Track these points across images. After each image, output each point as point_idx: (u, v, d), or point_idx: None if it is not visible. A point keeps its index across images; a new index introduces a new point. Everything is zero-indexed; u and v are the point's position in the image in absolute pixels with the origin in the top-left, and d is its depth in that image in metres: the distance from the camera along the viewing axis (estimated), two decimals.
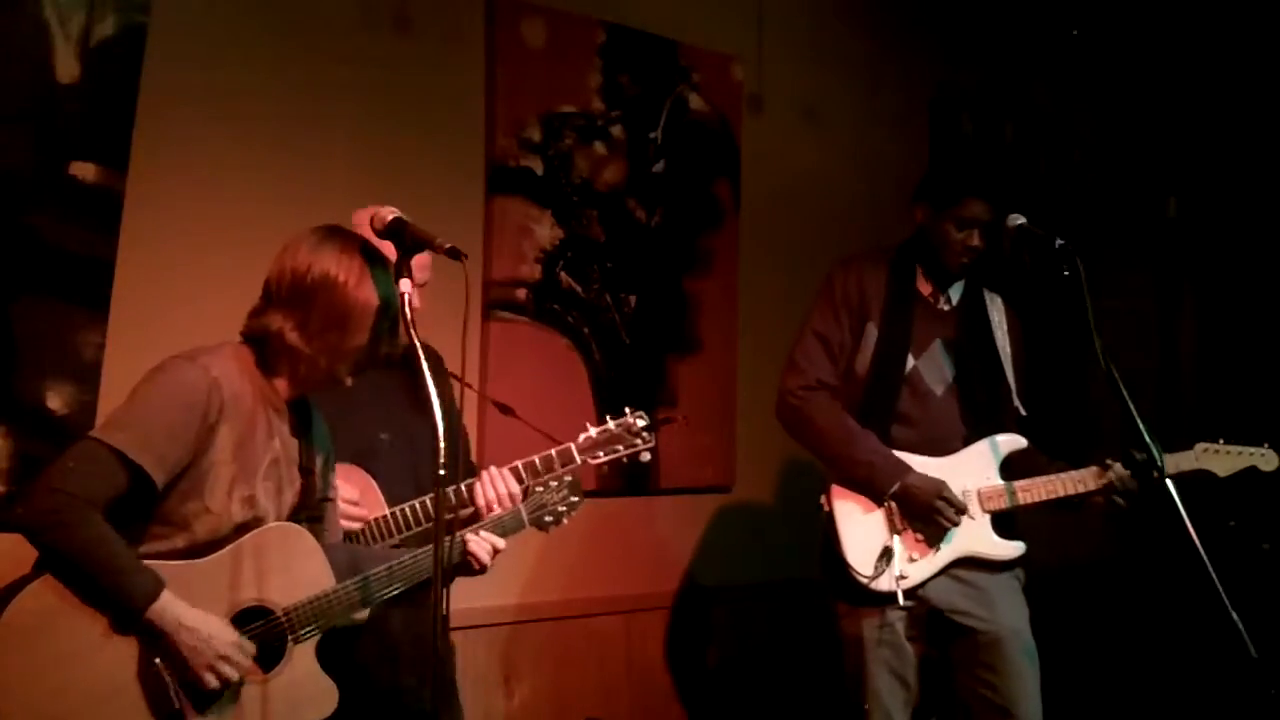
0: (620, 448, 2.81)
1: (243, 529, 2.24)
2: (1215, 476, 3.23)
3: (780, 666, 4.37)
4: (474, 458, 3.54)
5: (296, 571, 2.30)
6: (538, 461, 2.79)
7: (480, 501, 2.73)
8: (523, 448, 2.88)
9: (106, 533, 2.09)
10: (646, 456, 2.84)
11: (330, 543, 2.45)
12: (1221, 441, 3.23)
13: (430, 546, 2.44)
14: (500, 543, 2.58)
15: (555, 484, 2.74)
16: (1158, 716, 4.76)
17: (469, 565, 2.54)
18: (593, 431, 2.80)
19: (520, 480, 2.77)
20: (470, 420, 3.63)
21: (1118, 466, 3.19)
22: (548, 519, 2.73)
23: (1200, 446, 3.22)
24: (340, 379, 2.33)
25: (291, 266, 2.27)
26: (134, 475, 2.12)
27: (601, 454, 2.81)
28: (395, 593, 2.41)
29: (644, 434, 2.81)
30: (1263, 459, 3.24)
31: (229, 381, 2.23)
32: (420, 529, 2.74)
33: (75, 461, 2.13)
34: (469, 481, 2.76)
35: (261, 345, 2.30)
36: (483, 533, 2.55)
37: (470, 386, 2.28)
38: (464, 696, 3.08)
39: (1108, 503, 3.22)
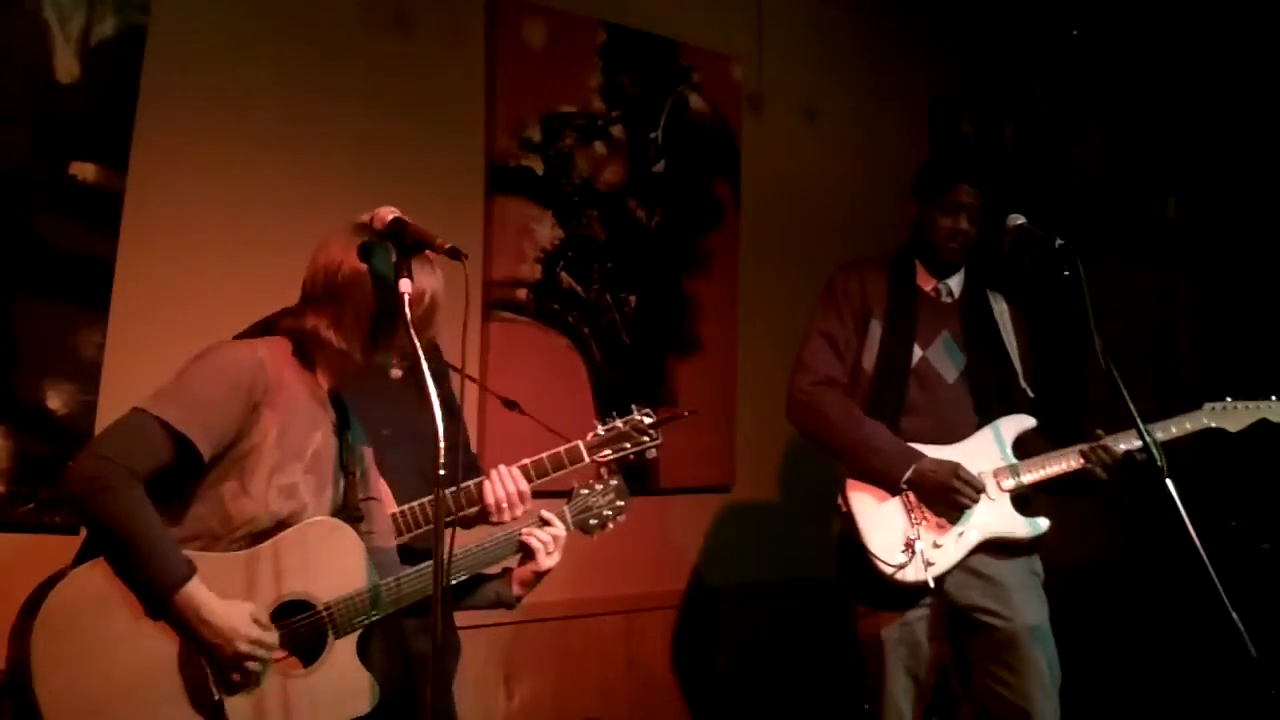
0: (628, 445, 2.79)
1: (281, 524, 2.24)
2: (1228, 433, 3.22)
3: (781, 666, 4.38)
4: (476, 453, 3.54)
5: (339, 566, 2.29)
6: (546, 460, 2.76)
7: (489, 500, 2.71)
8: (526, 443, 2.87)
9: (145, 505, 2.08)
10: (654, 453, 2.82)
11: (382, 545, 2.44)
12: (1229, 399, 3.22)
13: (481, 540, 2.49)
14: (560, 528, 2.55)
15: (601, 486, 2.68)
16: (1159, 716, 4.76)
17: (531, 557, 2.51)
18: (601, 430, 2.77)
19: (529, 479, 2.75)
20: (471, 415, 3.63)
21: (1107, 440, 3.19)
22: (593, 522, 2.67)
23: (1208, 406, 3.22)
24: (376, 373, 2.33)
25: (324, 264, 2.27)
26: (179, 447, 2.11)
27: (609, 452, 2.78)
28: (427, 594, 2.35)
29: (651, 431, 2.79)
30: (1271, 410, 3.22)
31: (274, 366, 2.24)
32: (428, 528, 2.73)
33: (121, 430, 2.13)
34: (477, 480, 2.73)
35: (299, 341, 2.30)
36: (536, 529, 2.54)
37: (473, 379, 2.25)
38: (464, 696, 3.08)
39: (1092, 473, 3.20)
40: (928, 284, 3.40)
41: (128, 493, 2.07)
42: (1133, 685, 4.83)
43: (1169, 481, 2.77)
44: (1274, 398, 3.25)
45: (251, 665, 2.15)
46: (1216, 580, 2.60)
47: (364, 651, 2.34)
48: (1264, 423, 3.23)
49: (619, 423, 2.77)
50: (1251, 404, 3.23)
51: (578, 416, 3.90)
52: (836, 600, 3.37)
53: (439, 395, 2.07)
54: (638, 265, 4.12)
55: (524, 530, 2.54)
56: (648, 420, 2.80)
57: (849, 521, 3.23)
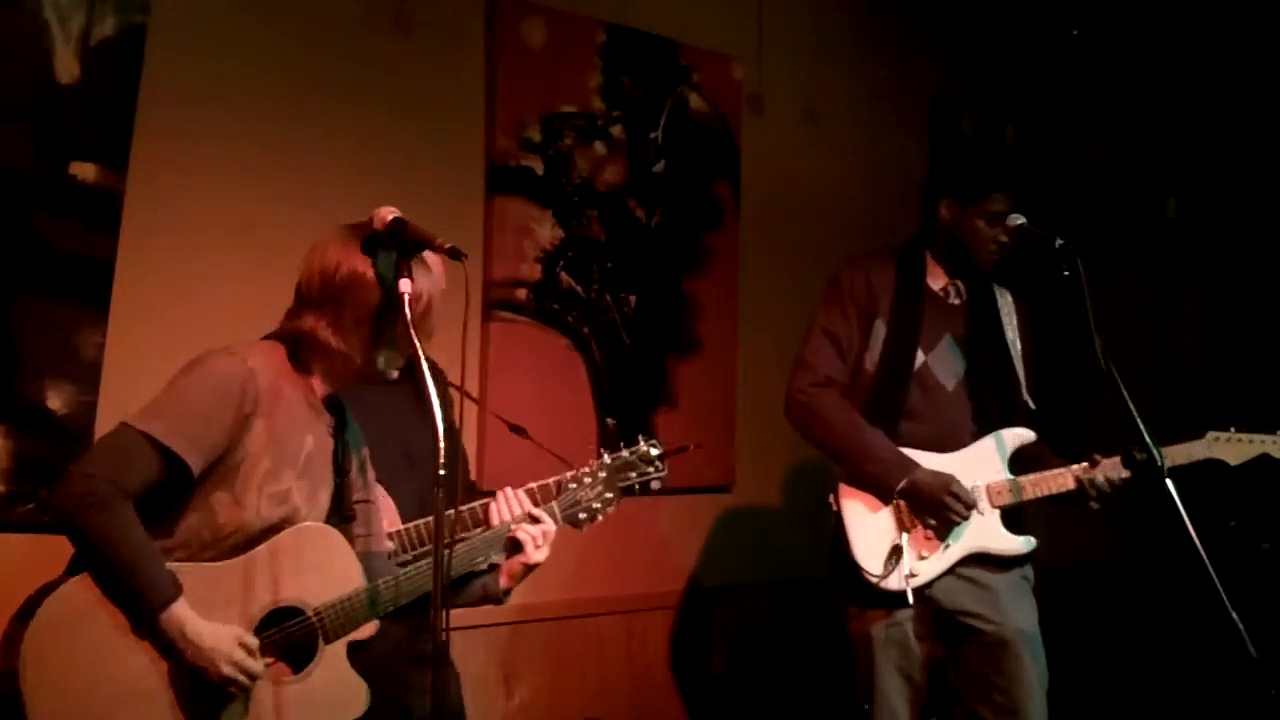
0: (633, 475, 2.80)
1: (272, 529, 2.23)
2: (1227, 465, 3.21)
3: (780, 667, 4.37)
4: (474, 474, 3.53)
5: (328, 571, 2.28)
6: (552, 486, 2.75)
7: (496, 523, 2.69)
8: (525, 462, 2.87)
9: (133, 524, 2.07)
10: (657, 485, 2.84)
11: (376, 549, 2.44)
12: (1232, 430, 3.21)
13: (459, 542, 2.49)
14: (549, 524, 2.57)
15: (590, 480, 2.70)
16: (1159, 716, 4.76)
17: (520, 550, 2.54)
18: (607, 458, 2.78)
19: (535, 503, 2.74)
20: (470, 434, 3.62)
21: (1104, 463, 3.18)
22: (582, 515, 2.68)
23: (1211, 435, 3.21)
24: (375, 375, 2.32)
25: (320, 266, 2.25)
26: (168, 462, 2.11)
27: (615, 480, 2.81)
28: (425, 591, 2.36)
29: (657, 463, 2.81)
30: (1274, 446, 3.21)
31: (265, 374, 2.22)
32: (428, 548, 2.73)
33: (108, 447, 2.13)
34: (484, 502, 2.72)
35: (295, 344, 2.29)
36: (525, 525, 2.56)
37: (474, 398, 2.24)
38: (464, 696, 3.08)
39: (1085, 500, 3.21)
40: (937, 282, 3.37)
41: (116, 510, 2.06)
42: (1132, 685, 4.83)
43: (1169, 481, 2.77)
44: (1278, 432, 3.22)
45: (234, 690, 2.15)
46: (1216, 580, 2.60)
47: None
48: (1264, 458, 3.21)
49: (625, 453, 2.78)
50: (1255, 437, 3.21)
51: (578, 417, 3.92)
52: (830, 599, 3.37)
53: (443, 420, 2.06)
54: (638, 265, 4.12)
55: (513, 525, 2.55)
56: (654, 451, 2.81)
57: (838, 523, 3.23)
